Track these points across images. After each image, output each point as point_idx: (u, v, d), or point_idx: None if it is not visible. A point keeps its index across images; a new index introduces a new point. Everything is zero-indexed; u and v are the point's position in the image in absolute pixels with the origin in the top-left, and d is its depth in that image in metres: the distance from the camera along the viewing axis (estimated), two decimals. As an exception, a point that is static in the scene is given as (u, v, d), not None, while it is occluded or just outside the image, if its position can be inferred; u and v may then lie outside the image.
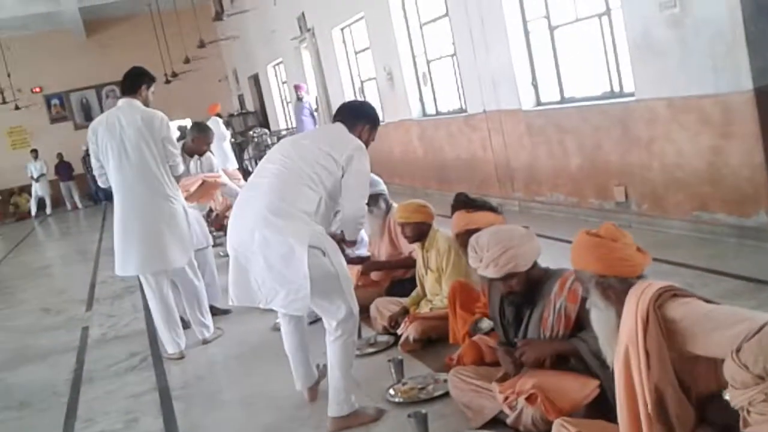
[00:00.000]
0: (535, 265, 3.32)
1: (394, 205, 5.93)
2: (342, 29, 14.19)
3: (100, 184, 5.64)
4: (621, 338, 2.41)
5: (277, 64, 19.88)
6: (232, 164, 13.78)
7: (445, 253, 4.84)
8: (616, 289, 2.50)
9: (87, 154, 22.71)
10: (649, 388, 2.29)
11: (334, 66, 14.70)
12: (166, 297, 5.60)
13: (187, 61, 21.10)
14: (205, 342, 5.85)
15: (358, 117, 4.06)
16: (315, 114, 15.43)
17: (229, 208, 9.66)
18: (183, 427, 4.39)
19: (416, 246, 5.16)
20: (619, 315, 2.44)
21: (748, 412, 1.99)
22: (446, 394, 3.93)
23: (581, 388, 3.10)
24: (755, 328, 1.95)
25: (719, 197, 5.84)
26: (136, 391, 5.12)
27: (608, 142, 7.08)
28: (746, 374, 1.92)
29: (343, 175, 3.82)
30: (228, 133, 13.90)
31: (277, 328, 5.12)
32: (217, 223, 10.00)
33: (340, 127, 3.99)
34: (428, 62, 11.09)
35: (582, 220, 7.46)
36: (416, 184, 11.45)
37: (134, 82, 5.52)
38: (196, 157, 6.54)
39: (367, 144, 4.01)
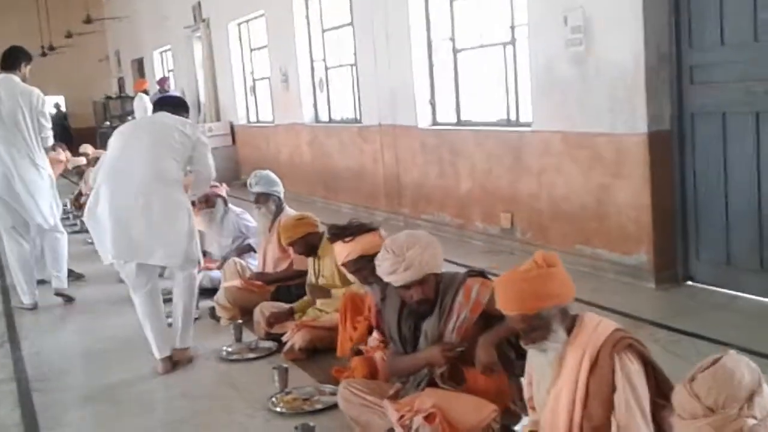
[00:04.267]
0: None
1: (287, 208, 5.80)
2: (239, 24, 13.89)
3: None
4: (563, 375, 2.42)
5: (165, 51, 19.21)
6: None
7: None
8: (556, 321, 2.51)
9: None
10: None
11: (227, 61, 14.36)
12: (26, 252, 6.30)
13: (69, 35, 20.06)
14: (58, 293, 6.43)
15: (181, 107, 4.98)
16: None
17: None
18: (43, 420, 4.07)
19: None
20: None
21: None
22: (332, 407, 3.82)
23: (479, 412, 3.06)
24: (709, 361, 1.97)
25: (603, 233, 6.03)
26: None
27: (500, 169, 7.20)
28: (697, 404, 1.92)
29: (193, 148, 4.64)
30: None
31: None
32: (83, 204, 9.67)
33: (171, 114, 4.80)
34: (326, 68, 10.99)
35: (467, 242, 7.55)
36: (302, 191, 11.29)
37: (14, 60, 6.15)
38: None
39: None
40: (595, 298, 5.40)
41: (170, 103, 5.01)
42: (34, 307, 6.24)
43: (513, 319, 2.60)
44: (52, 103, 11.28)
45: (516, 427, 3.26)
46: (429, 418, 3.04)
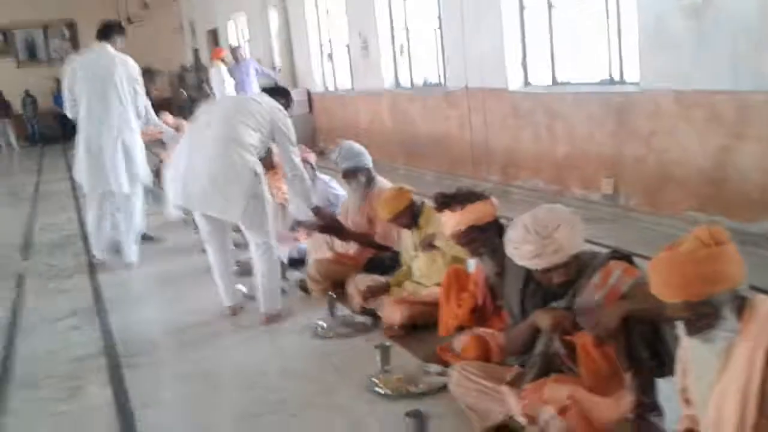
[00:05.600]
0: None
1: (379, 179, 5.44)
2: (316, -11, 13.56)
3: (69, 114, 6.47)
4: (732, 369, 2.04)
5: (240, 19, 19.02)
6: None
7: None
8: (727, 307, 2.12)
9: (27, 95, 21.89)
10: None
11: (303, 28, 14.06)
12: (104, 213, 6.54)
13: (145, 6, 20.08)
14: (129, 265, 6.50)
15: (279, 93, 5.13)
16: (267, 71, 14.72)
17: None
18: (134, 397, 3.87)
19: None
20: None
21: None
22: (439, 390, 3.51)
23: (616, 405, 2.69)
24: None
25: (721, 199, 5.53)
26: (80, 354, 4.56)
27: (602, 132, 6.72)
28: None
29: (271, 130, 4.79)
30: (231, 80, 13.31)
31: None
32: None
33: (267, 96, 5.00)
34: (408, 32, 10.58)
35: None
36: (382, 158, 10.95)
37: (109, 32, 6.46)
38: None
39: None
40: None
41: (271, 89, 5.31)
42: (104, 263, 6.56)
43: (675, 307, 2.20)
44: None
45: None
46: (562, 410, 2.69)
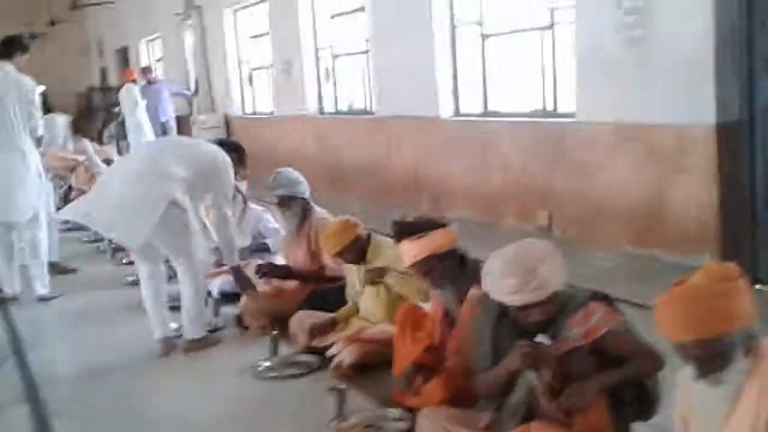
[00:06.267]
0: None
1: (317, 209, 5.24)
2: (236, 10, 13.27)
3: None
4: (740, 413, 1.92)
5: (152, 39, 18.52)
6: (145, 135, 12.61)
7: (395, 264, 4.21)
8: (738, 347, 2.02)
9: None
10: None
11: (221, 49, 13.74)
12: (9, 245, 6.08)
13: (52, 23, 19.29)
14: (42, 299, 6.08)
15: (233, 150, 5.08)
16: (181, 89, 14.36)
17: (89, 181, 9.00)
18: None
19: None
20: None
21: None
22: (402, 437, 3.33)
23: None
24: None
25: (659, 233, 5.57)
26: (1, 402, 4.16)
27: (537, 163, 6.73)
28: None
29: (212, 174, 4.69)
30: (143, 102, 12.79)
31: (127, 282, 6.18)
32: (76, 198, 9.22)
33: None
34: (334, 57, 10.44)
35: (497, 241, 7.02)
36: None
37: (11, 49, 6.03)
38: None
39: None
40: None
41: (224, 142, 5.25)
42: (15, 298, 6.09)
43: (685, 348, 2.10)
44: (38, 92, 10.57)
45: None
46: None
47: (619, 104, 5.72)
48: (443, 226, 3.41)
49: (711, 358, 2.07)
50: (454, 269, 3.39)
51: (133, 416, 3.88)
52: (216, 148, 4.87)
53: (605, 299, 2.76)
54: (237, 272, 4.94)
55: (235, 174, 5.01)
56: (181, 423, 3.74)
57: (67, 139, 8.18)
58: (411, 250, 3.36)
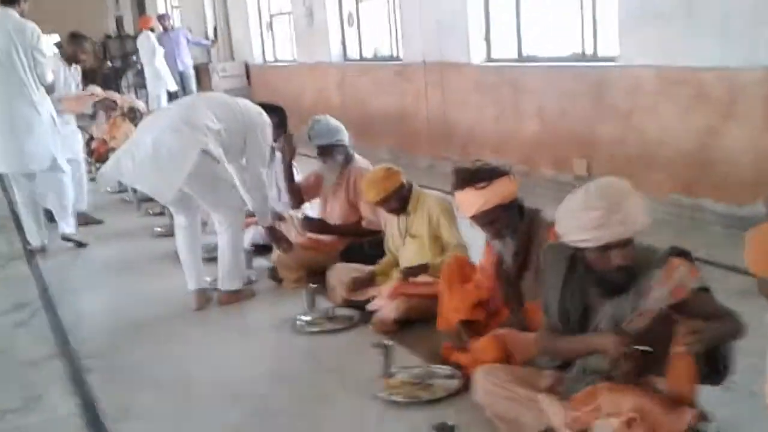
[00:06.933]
0: None
1: (357, 157, 5.06)
2: (253, -47, 12.93)
3: None
4: None
5: (168, -14, 18.16)
6: (165, 84, 12.36)
7: (440, 215, 4.04)
8: None
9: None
10: None
11: (240, -5, 13.42)
12: (31, 194, 5.99)
13: (64, -30, 18.93)
14: (65, 238, 6.07)
15: (272, 111, 4.81)
16: (199, 39, 14.03)
17: (112, 133, 8.88)
18: (104, 407, 3.40)
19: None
20: None
21: None
22: (454, 395, 3.19)
23: (680, 418, 2.41)
24: None
25: (708, 181, 5.35)
26: (32, 357, 4.05)
27: (574, 110, 6.47)
28: None
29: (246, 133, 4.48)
30: (161, 50, 12.50)
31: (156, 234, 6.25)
32: (98, 152, 9.11)
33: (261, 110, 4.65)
34: (357, 1, 10.13)
35: (531, 191, 6.78)
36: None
37: None
38: (74, 65, 6.83)
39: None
40: (713, 254, 4.72)
41: (268, 105, 4.88)
42: (42, 250, 6.03)
43: None
44: (52, 41, 10.40)
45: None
46: (627, 423, 2.39)
47: (664, 47, 5.45)
48: (506, 174, 3.22)
49: None
50: (515, 219, 3.25)
51: (169, 373, 3.77)
52: (255, 107, 4.65)
53: (685, 255, 2.56)
54: (271, 230, 4.80)
55: (275, 138, 4.85)
56: (221, 381, 3.61)
57: (78, 87, 7.98)
58: (476, 199, 3.18)
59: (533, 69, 7.03)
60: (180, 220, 4.56)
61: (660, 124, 5.64)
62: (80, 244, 6.13)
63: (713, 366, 2.54)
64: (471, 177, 3.15)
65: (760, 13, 4.76)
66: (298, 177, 5.26)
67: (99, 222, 6.93)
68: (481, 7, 7.57)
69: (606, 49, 6.25)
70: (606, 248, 2.44)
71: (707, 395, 2.57)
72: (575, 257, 2.61)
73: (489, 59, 7.65)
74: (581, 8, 6.44)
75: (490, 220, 3.19)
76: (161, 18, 14.02)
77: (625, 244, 2.44)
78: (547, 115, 6.79)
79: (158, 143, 4.23)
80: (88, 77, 8.90)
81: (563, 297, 2.71)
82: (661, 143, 5.65)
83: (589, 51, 6.48)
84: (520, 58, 7.30)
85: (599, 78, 6.19)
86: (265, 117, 4.60)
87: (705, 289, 2.51)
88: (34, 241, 6.04)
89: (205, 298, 4.57)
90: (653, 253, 2.55)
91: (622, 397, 2.45)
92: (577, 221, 2.46)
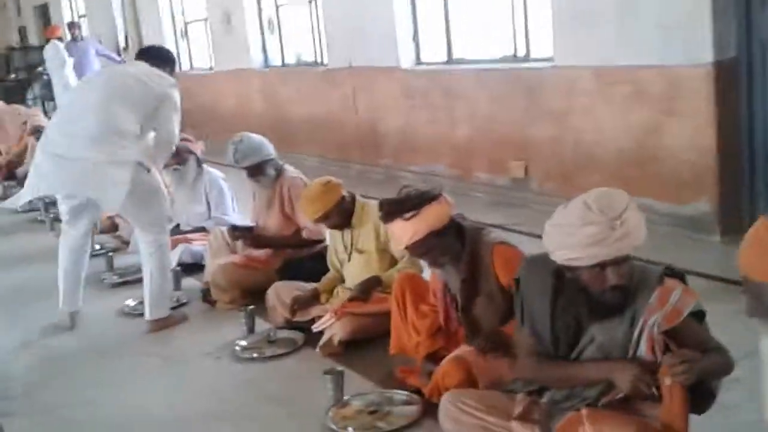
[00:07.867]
0: None
1: (287, 167, 4.78)
2: (166, -40, 12.45)
3: None
4: None
5: (75, -5, 17.39)
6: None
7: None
8: None
9: None
10: None
11: (153, 3, 12.88)
12: None
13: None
14: None
15: (161, 59, 4.42)
16: (108, 53, 13.38)
17: (21, 151, 8.51)
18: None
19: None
20: None
21: None
22: (414, 422, 2.95)
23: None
24: None
25: (649, 180, 5.26)
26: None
27: (508, 112, 6.33)
28: None
29: (158, 103, 4.18)
30: (70, 60, 11.82)
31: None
32: (6, 169, 8.66)
33: (147, 65, 4.32)
34: (277, 6, 9.81)
35: (467, 195, 6.62)
36: (253, 144, 10.15)
37: None
38: None
39: None
40: (657, 255, 4.57)
41: (151, 55, 4.47)
42: None
43: None
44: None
45: None
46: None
47: (600, 46, 5.34)
48: (436, 197, 2.96)
49: None
50: (454, 243, 2.99)
51: (92, 414, 3.37)
52: (154, 75, 4.25)
53: (678, 275, 2.36)
54: (235, 231, 4.75)
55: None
56: (151, 421, 3.25)
57: None
58: (405, 231, 2.91)
59: (464, 71, 6.86)
60: (74, 231, 4.35)
61: (597, 124, 5.54)
62: None
63: (698, 394, 2.34)
64: (397, 208, 2.89)
65: (700, 7, 4.68)
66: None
67: None
68: (409, 9, 7.37)
69: (540, 51, 6.12)
70: (601, 266, 2.22)
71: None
72: (560, 273, 2.37)
73: (418, 62, 7.45)
74: (512, 10, 6.30)
75: (425, 249, 2.95)
76: (71, 26, 13.37)
77: (622, 261, 2.23)
78: (480, 117, 6.63)
79: (89, 154, 3.95)
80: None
81: (553, 319, 2.46)
82: (599, 143, 5.55)
83: (521, 53, 6.34)
84: (451, 60, 7.13)
85: (533, 79, 6.06)
86: (171, 81, 4.28)
87: (701, 312, 2.32)
88: None
89: (74, 322, 4.40)
90: (645, 271, 2.33)
91: (607, 426, 2.23)
92: (571, 238, 2.22)
